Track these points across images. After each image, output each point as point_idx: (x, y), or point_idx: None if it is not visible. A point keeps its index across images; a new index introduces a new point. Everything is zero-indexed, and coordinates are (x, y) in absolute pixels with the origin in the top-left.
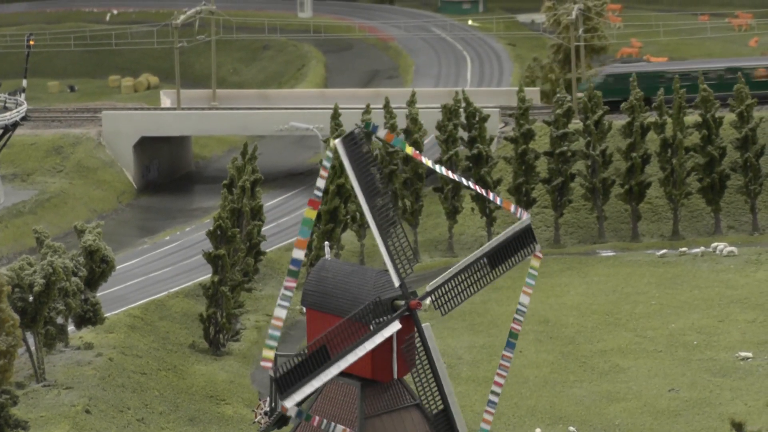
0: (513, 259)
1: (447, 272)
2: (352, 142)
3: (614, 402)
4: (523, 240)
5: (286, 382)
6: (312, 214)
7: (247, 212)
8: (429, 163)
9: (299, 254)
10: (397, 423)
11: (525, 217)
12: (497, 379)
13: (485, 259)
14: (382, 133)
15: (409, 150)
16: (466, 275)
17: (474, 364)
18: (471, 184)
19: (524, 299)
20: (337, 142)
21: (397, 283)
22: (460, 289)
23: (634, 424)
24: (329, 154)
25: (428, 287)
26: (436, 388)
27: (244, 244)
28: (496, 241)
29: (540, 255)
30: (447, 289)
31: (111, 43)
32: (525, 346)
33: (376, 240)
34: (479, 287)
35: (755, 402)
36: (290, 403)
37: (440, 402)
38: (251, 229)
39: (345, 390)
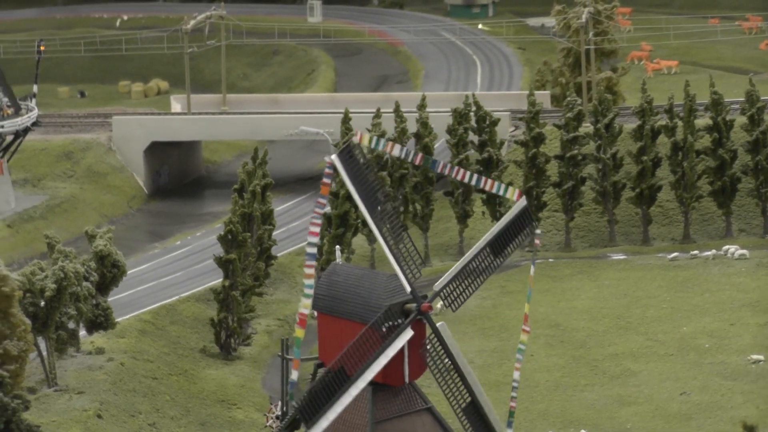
0: (514, 243)
1: (452, 269)
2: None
3: (625, 406)
4: (521, 222)
5: (309, 411)
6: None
7: (258, 217)
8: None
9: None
10: (408, 427)
11: (520, 200)
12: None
13: (488, 248)
14: None
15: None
16: (471, 267)
17: (485, 367)
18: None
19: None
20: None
21: (408, 289)
22: (467, 283)
23: (646, 428)
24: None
25: (436, 286)
26: (461, 384)
27: (254, 249)
28: (496, 228)
29: (538, 241)
30: (455, 285)
31: (121, 49)
32: (536, 350)
33: (383, 248)
34: (485, 277)
35: (767, 405)
36: (318, 431)
37: (467, 395)
38: (262, 233)
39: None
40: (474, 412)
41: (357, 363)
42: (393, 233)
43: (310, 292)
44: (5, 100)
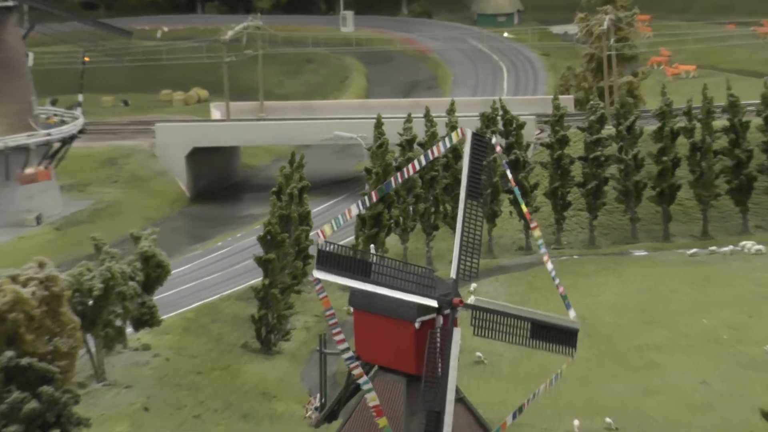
0: (483, 171)
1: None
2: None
3: (650, 395)
4: (477, 149)
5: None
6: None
7: (295, 218)
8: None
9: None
10: None
11: (466, 133)
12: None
13: (469, 200)
14: None
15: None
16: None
17: (514, 362)
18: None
19: (549, 265)
20: None
21: (435, 305)
22: (471, 243)
23: (669, 416)
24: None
25: (451, 274)
26: (518, 320)
27: (292, 249)
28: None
29: (499, 148)
30: (464, 258)
31: (162, 59)
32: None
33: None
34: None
35: None
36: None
37: (527, 324)
38: (299, 234)
39: (391, 387)
40: (541, 329)
41: (432, 369)
42: (393, 275)
43: (369, 386)
44: (52, 110)
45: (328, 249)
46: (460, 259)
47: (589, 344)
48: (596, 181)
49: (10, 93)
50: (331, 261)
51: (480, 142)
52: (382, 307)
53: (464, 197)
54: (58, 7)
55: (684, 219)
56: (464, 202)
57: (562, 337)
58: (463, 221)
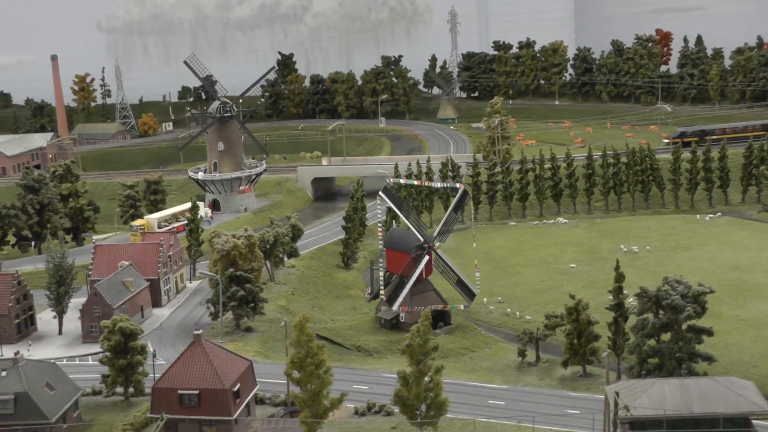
0: (463, 207)
1: (440, 224)
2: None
3: (516, 286)
4: (390, 194)
5: (391, 298)
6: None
7: (359, 207)
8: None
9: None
10: (427, 296)
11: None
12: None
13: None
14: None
15: None
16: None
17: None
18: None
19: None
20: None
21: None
22: (446, 229)
23: (526, 296)
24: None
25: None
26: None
27: (358, 222)
28: (455, 202)
29: (391, 179)
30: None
31: (300, 138)
32: (480, 262)
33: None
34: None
35: (577, 285)
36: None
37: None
38: (361, 215)
39: (402, 282)
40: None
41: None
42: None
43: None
44: (252, 162)
45: (388, 293)
46: (419, 231)
47: (489, 263)
48: (493, 191)
49: (233, 153)
50: (386, 284)
51: (388, 190)
52: (399, 247)
53: (398, 212)
54: (253, 114)
55: (531, 208)
56: (401, 214)
57: (461, 202)
58: (409, 220)
